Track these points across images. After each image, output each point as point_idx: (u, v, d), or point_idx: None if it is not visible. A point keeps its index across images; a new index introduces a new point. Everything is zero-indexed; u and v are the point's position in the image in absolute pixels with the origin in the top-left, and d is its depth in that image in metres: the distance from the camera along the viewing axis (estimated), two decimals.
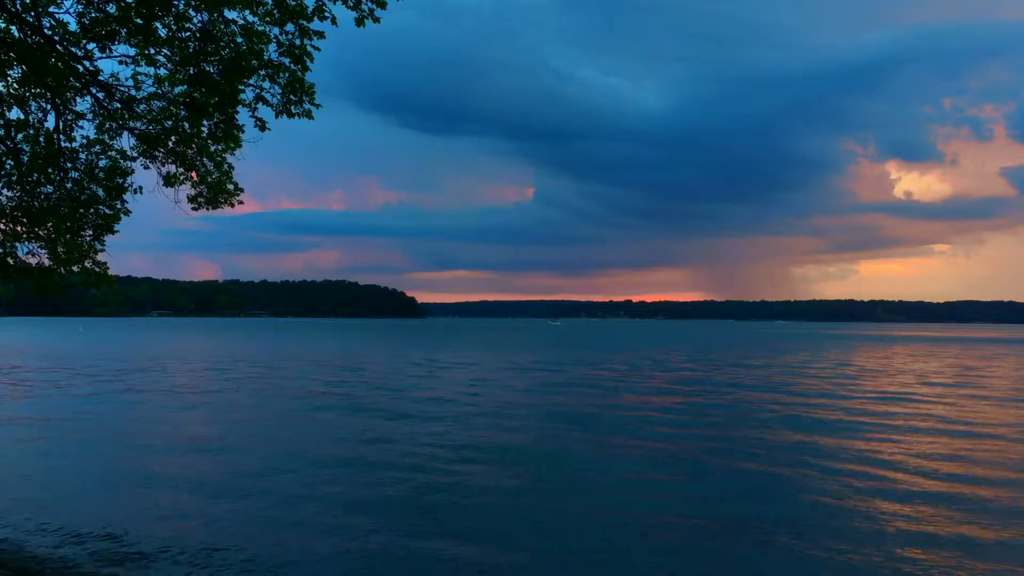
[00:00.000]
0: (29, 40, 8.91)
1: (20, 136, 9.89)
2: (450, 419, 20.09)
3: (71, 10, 8.99)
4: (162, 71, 9.71)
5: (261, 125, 9.92)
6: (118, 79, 9.86)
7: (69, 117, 10.20)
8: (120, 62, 9.48)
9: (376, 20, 9.68)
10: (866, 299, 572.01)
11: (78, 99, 10.10)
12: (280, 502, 11.61)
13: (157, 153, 10.60)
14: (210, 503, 11.57)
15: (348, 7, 9.47)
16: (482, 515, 10.86)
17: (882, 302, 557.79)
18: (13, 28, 9.05)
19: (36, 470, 13.95)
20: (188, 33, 9.10)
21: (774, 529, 10.30)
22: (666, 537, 9.97)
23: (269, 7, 9.23)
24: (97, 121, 10.36)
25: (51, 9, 9.16)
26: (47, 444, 16.49)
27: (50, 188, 10.29)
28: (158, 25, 8.84)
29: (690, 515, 10.98)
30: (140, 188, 10.75)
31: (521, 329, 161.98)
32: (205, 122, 9.92)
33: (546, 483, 12.98)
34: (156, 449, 15.96)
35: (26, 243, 10.27)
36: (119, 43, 9.03)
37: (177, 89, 9.79)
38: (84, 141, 10.42)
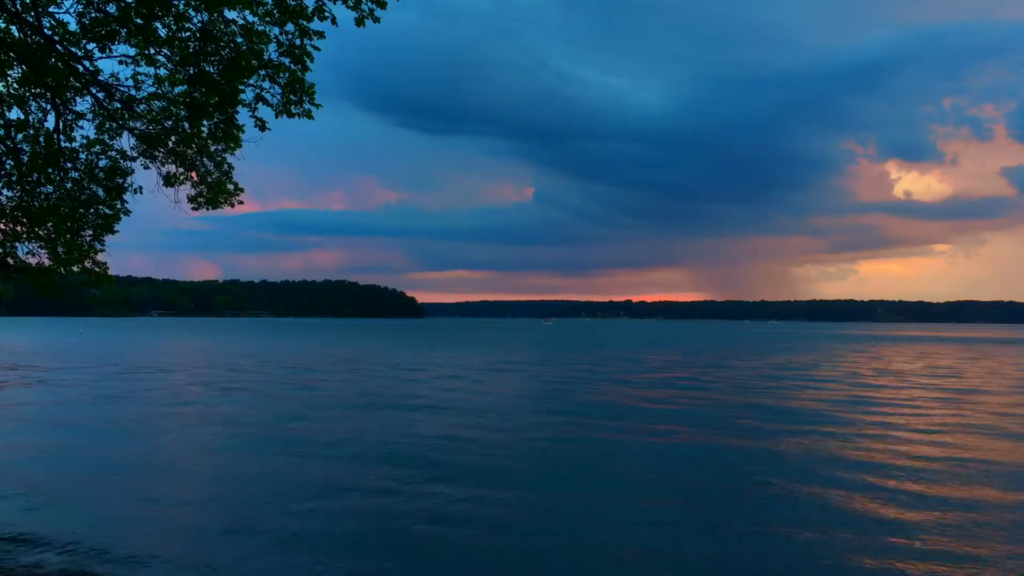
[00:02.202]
0: (29, 40, 8.91)
1: (20, 136, 9.89)
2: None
3: (71, 10, 9.01)
4: (162, 71, 9.73)
5: (261, 125, 9.92)
6: (118, 79, 9.88)
7: (69, 117, 10.20)
8: (120, 62, 9.49)
9: (376, 20, 9.69)
10: (866, 299, 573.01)
11: (78, 99, 10.11)
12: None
13: (157, 153, 10.60)
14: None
15: (348, 7, 9.48)
16: None
17: (882, 302, 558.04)
18: (13, 28, 9.06)
19: None
20: (188, 33, 9.10)
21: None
22: None
23: (269, 7, 9.24)
24: (97, 121, 10.37)
25: (51, 9, 9.17)
26: None
27: (50, 188, 10.30)
28: (158, 25, 8.84)
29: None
30: (140, 188, 10.78)
31: (513, 329, 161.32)
32: (205, 122, 9.92)
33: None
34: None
35: (26, 243, 10.27)
36: (119, 43, 9.04)
37: (177, 89, 9.79)
38: (84, 141, 10.44)
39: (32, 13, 8.95)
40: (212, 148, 10.58)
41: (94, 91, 9.92)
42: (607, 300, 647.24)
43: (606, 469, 14.44)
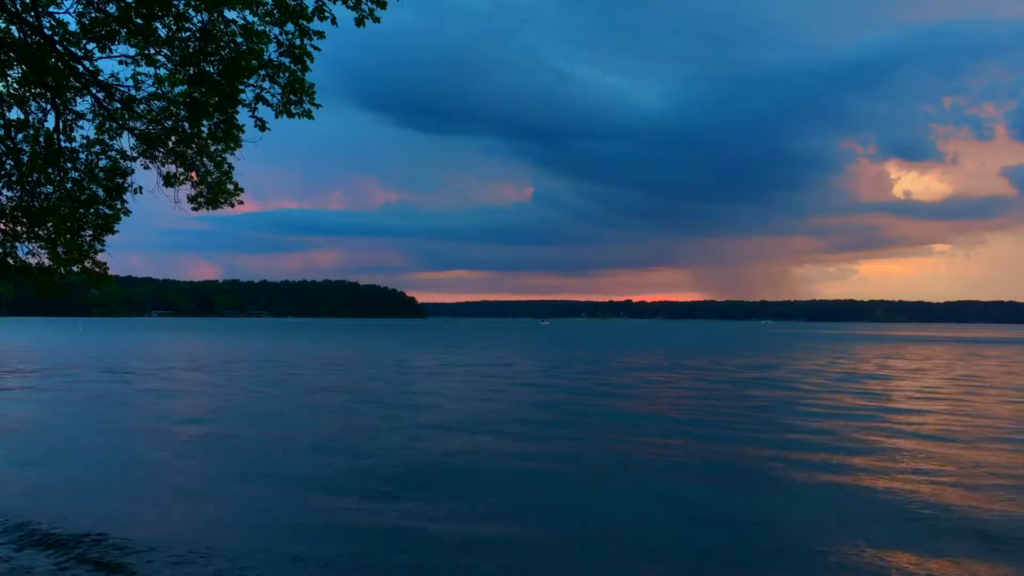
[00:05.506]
0: (29, 40, 8.91)
1: (20, 136, 9.89)
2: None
3: (71, 10, 9.01)
4: (162, 71, 9.73)
5: (261, 125, 9.92)
6: (118, 79, 9.87)
7: (69, 117, 10.20)
8: (120, 62, 9.49)
9: (376, 20, 9.69)
10: (866, 299, 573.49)
11: (78, 99, 10.11)
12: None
13: (157, 153, 10.60)
14: None
15: (348, 7, 9.48)
16: None
17: (882, 302, 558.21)
18: (13, 28, 9.06)
19: None
20: (188, 33, 9.11)
21: None
22: None
23: (269, 7, 9.24)
24: (97, 121, 10.36)
25: (51, 9, 9.17)
26: None
27: (50, 188, 10.29)
28: (158, 25, 8.85)
29: None
30: (140, 188, 10.77)
31: (509, 330, 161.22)
32: (205, 122, 9.92)
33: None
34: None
35: (26, 243, 10.27)
36: (119, 43, 9.05)
37: (177, 89, 9.80)
38: (84, 141, 10.43)
39: (32, 13, 8.95)
40: (212, 148, 10.58)
41: (94, 91, 9.92)
42: (607, 300, 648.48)
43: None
